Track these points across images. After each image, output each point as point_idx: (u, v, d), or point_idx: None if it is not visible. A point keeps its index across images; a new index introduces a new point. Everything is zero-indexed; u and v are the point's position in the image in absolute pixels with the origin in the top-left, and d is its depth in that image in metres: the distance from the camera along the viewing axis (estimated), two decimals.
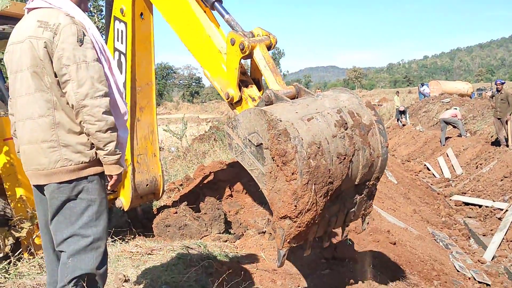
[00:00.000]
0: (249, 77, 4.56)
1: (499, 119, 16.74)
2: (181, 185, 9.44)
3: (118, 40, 6.08)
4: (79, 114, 2.92)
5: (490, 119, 21.14)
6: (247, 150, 3.74)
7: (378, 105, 44.92)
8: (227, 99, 4.42)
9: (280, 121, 3.38)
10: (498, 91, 16.92)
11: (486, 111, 23.27)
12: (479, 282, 8.15)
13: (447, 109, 23.80)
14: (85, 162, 3.02)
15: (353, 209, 4.08)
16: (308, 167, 3.34)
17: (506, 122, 16.53)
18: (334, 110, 3.76)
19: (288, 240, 3.61)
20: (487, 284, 8.14)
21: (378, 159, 3.96)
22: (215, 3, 4.59)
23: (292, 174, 3.34)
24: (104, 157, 3.04)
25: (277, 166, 3.43)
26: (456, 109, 22.10)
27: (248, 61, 4.50)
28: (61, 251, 3.02)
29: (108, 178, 3.17)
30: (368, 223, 4.42)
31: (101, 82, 2.97)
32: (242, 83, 4.43)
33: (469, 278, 8.20)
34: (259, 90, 4.50)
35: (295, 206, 3.40)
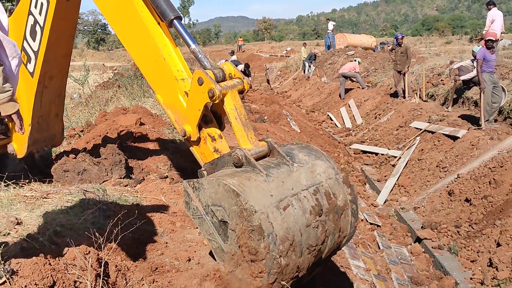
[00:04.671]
0: (209, 111, 4.00)
1: (398, 72, 17.45)
2: (81, 131, 9.23)
3: (36, 8, 5.45)
4: None
5: (390, 72, 21.97)
6: (207, 218, 3.32)
7: (286, 56, 45.37)
8: (183, 136, 3.93)
9: (255, 212, 2.98)
10: (398, 44, 17.52)
11: (386, 64, 24.13)
12: (371, 224, 8.69)
13: (350, 61, 24.45)
14: None
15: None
16: (278, 267, 3.03)
17: (404, 74, 17.28)
18: (311, 190, 3.38)
19: None
20: (378, 225, 8.69)
21: (344, 238, 3.66)
22: (174, 20, 3.96)
23: (260, 272, 3.02)
24: None
25: (244, 257, 3.09)
26: (355, 60, 22.66)
27: None
28: None
29: (7, 119, 2.92)
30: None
31: None
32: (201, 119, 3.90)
33: (362, 220, 8.72)
34: (220, 126, 4.01)
35: None
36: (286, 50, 52.96)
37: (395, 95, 18.14)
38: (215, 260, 3.41)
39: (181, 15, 4.08)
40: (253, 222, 2.98)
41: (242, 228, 3.05)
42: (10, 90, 2.86)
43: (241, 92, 3.80)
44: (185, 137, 3.94)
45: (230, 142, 4.16)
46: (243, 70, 25.63)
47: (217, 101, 3.60)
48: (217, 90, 3.53)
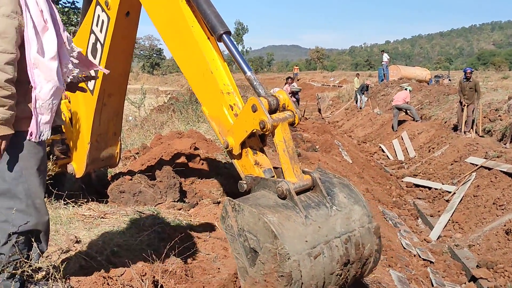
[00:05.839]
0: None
1: (466, 105, 16.91)
2: (137, 153, 9.40)
3: (97, 26, 5.68)
4: None
5: (445, 105, 21.62)
6: (239, 239, 3.40)
7: (338, 86, 45.30)
8: (225, 148, 3.98)
9: (289, 259, 3.06)
10: (467, 79, 16.96)
11: (441, 97, 23.75)
12: (424, 260, 8.46)
13: (398, 90, 24.12)
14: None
15: None
16: None
17: (463, 108, 16.80)
18: (343, 238, 3.43)
19: None
20: (431, 262, 8.45)
21: (359, 278, 3.75)
22: (224, 35, 4.01)
23: None
24: None
25: None
26: (406, 89, 22.30)
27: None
28: None
29: None
30: None
31: (3, 38, 2.72)
32: None
33: (415, 255, 8.50)
34: (263, 142, 4.07)
35: None
36: (333, 80, 52.86)
37: (454, 128, 17.76)
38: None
39: (230, 30, 4.12)
40: (284, 269, 3.05)
41: (272, 268, 3.13)
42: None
43: (291, 124, 3.82)
44: (227, 149, 3.99)
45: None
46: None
47: (267, 133, 3.65)
48: (268, 123, 3.55)
